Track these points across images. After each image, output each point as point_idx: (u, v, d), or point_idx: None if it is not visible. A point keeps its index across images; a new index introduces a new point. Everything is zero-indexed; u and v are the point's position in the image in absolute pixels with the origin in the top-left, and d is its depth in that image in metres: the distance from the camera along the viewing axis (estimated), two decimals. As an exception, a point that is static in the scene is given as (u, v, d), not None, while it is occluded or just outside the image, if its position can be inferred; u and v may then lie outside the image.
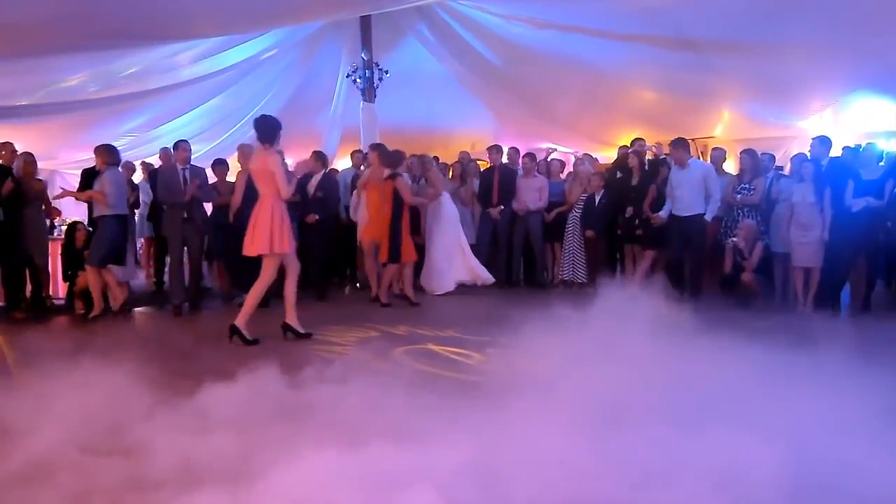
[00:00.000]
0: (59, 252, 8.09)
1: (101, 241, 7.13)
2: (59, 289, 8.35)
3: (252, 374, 3.85)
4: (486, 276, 8.57)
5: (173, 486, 2.69)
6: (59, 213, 8.44)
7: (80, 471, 2.81)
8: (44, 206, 7.88)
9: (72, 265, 7.76)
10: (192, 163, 7.66)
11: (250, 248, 5.64)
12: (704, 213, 7.69)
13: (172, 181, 7.40)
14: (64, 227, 8.72)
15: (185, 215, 7.37)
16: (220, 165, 8.26)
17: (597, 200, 8.76)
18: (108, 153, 7.26)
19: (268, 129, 5.73)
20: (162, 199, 7.72)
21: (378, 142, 8.64)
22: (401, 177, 7.73)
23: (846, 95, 8.96)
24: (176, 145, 7.70)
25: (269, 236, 5.55)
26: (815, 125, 9.50)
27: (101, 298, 7.22)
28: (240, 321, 5.57)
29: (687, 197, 7.68)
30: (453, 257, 8.53)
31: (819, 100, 9.25)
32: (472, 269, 8.56)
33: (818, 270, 7.20)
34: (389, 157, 7.73)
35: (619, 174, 8.96)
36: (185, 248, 7.58)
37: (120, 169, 7.60)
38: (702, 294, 7.66)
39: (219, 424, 3.27)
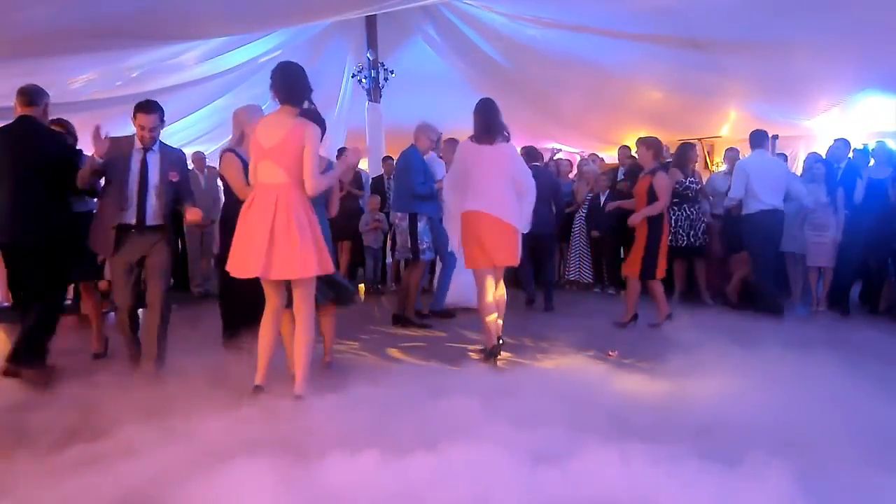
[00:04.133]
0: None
1: None
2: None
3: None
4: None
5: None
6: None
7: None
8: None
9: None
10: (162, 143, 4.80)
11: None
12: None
13: (118, 167, 4.58)
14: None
15: (135, 222, 4.59)
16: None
17: (602, 200, 8.72)
18: None
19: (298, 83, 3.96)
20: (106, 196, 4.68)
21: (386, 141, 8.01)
22: (661, 171, 6.28)
23: (854, 94, 8.91)
24: (135, 109, 4.65)
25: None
26: (823, 124, 9.46)
27: None
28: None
29: None
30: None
31: (826, 99, 9.20)
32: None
33: (831, 270, 7.19)
34: (653, 146, 6.37)
35: (621, 177, 8.91)
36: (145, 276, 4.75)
37: None
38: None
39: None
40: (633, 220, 6.30)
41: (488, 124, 5.15)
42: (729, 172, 8.30)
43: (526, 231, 5.20)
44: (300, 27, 9.76)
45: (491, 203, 5.02)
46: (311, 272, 3.82)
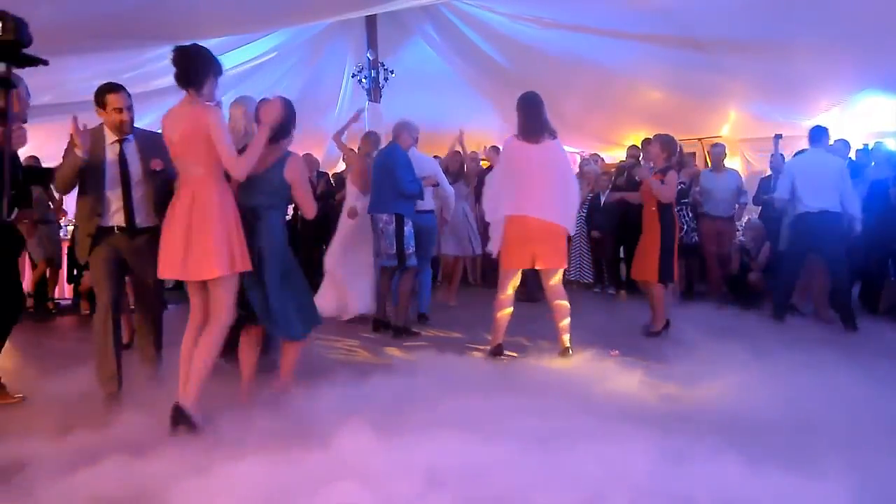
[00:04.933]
0: (65, 253, 8.11)
1: None
2: (63, 290, 8.36)
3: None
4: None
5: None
6: (65, 213, 8.41)
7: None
8: (51, 207, 7.88)
9: (77, 266, 7.77)
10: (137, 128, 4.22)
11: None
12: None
13: (92, 164, 4.00)
14: (70, 228, 8.71)
15: (124, 224, 4.03)
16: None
17: (602, 200, 8.72)
18: None
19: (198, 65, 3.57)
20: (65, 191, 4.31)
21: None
22: (672, 171, 6.02)
23: (854, 94, 8.91)
24: (99, 95, 4.14)
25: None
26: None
27: None
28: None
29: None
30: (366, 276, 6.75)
31: (826, 99, 9.20)
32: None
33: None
34: (667, 146, 6.12)
35: (619, 178, 8.89)
36: (133, 286, 4.36)
37: None
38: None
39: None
40: (643, 174, 6.09)
41: (531, 122, 4.99)
42: (714, 170, 8.31)
43: (572, 232, 5.23)
44: (300, 27, 9.77)
45: (539, 206, 4.89)
46: (223, 271, 3.39)
